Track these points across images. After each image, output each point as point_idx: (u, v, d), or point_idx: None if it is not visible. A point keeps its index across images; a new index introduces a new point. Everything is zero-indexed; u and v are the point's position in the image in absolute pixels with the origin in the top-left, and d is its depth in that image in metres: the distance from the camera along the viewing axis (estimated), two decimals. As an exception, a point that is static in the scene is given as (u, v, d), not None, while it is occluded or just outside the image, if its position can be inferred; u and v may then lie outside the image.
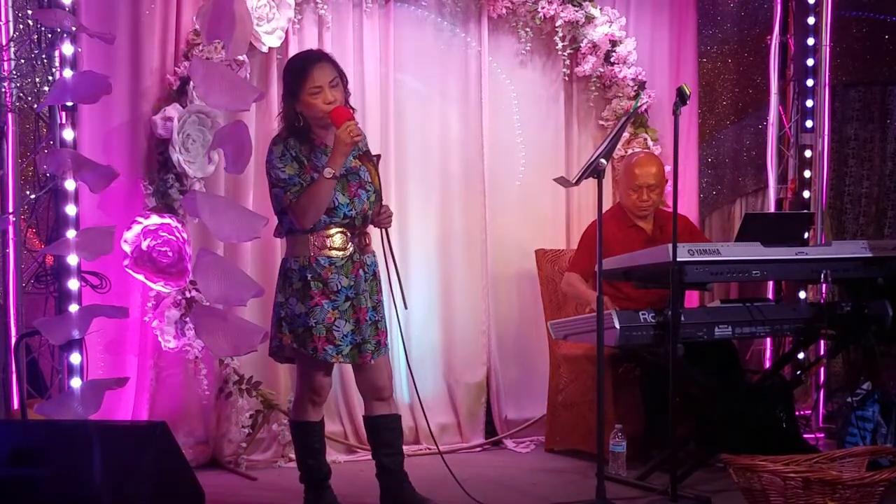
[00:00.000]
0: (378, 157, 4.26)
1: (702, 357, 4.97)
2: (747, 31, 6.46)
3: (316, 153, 4.13)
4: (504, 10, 5.81)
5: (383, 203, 4.23)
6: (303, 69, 4.12)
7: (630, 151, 5.84)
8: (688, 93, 4.37)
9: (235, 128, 3.72)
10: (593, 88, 6.03)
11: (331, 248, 4.11)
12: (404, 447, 4.42)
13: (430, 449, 5.25)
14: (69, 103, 4.41)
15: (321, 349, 4.08)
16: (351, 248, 4.15)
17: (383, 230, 4.22)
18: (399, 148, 5.63)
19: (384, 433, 4.27)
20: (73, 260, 4.46)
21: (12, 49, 4.36)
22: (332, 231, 4.12)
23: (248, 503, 4.55)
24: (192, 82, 4.77)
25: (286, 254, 4.20)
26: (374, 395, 4.27)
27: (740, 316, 4.74)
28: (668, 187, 5.65)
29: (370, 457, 4.39)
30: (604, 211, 5.50)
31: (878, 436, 5.05)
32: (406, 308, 4.27)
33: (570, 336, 4.95)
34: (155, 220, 4.82)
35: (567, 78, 6.02)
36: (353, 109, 4.15)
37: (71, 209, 4.48)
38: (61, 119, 4.47)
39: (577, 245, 5.48)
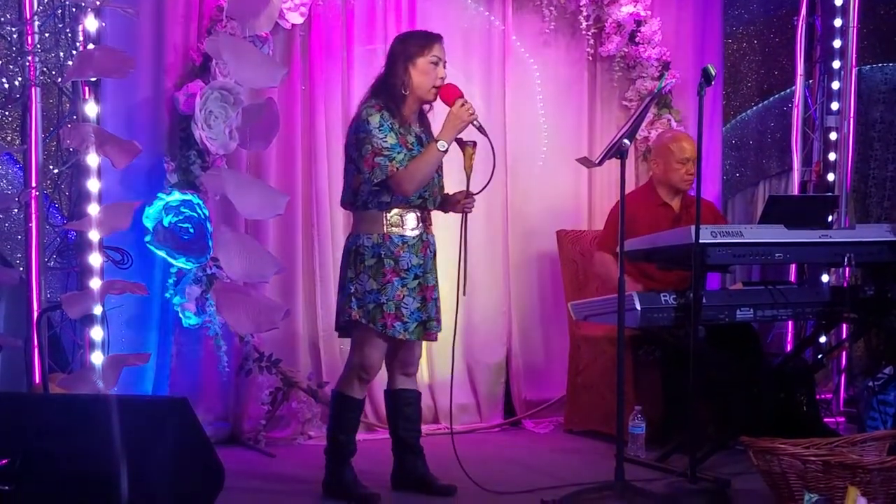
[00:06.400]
0: (474, 143, 4.23)
1: (723, 340, 4.96)
2: (773, 12, 6.41)
3: (404, 128, 4.15)
4: (528, -11, 5.78)
5: (469, 190, 4.25)
6: (429, 38, 4.22)
7: (655, 132, 5.80)
8: (713, 73, 4.33)
9: (267, 105, 3.71)
10: (617, 68, 5.99)
11: (404, 227, 4.15)
12: (423, 426, 4.45)
13: (448, 428, 5.25)
14: (93, 78, 4.41)
15: (390, 325, 4.11)
16: (421, 228, 4.19)
17: (464, 216, 4.28)
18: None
19: (407, 408, 4.31)
20: (94, 235, 4.46)
21: (36, 23, 4.35)
22: (407, 210, 4.16)
23: (267, 479, 4.56)
24: (220, 58, 4.75)
25: (356, 229, 4.20)
26: (403, 371, 4.33)
27: (762, 299, 4.71)
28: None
29: (389, 435, 4.39)
30: (631, 190, 5.52)
31: (899, 420, 5.04)
32: (464, 294, 4.32)
33: (591, 317, 4.93)
34: (177, 196, 4.82)
35: (591, 58, 5.99)
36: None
37: (93, 184, 4.47)
38: (84, 94, 4.46)
39: (605, 223, 5.45)
